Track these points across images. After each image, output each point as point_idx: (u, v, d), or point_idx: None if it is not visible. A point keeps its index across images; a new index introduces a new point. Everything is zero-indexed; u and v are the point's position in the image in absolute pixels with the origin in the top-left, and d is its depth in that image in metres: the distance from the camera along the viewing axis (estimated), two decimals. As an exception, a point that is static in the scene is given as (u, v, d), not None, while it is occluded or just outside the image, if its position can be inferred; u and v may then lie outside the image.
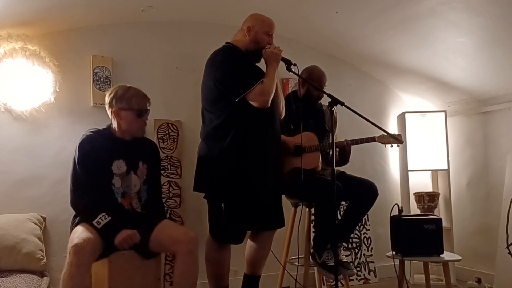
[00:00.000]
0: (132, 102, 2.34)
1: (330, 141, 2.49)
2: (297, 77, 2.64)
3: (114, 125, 2.40)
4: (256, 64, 2.62)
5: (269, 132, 2.51)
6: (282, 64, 2.56)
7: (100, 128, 2.43)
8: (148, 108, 2.41)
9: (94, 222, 2.15)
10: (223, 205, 2.44)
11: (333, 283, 2.38)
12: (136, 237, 2.18)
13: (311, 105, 2.99)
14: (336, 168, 2.78)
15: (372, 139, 2.91)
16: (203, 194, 2.58)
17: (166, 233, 2.27)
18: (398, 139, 2.73)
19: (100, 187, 2.28)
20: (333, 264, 2.61)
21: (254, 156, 2.44)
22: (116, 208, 2.28)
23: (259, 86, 2.38)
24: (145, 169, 2.43)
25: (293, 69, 2.54)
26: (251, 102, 2.39)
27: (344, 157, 2.96)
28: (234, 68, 2.43)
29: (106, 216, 2.16)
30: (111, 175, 2.32)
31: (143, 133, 2.46)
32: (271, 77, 2.46)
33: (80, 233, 2.11)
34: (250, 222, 2.49)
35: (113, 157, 2.34)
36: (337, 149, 3.00)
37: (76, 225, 2.25)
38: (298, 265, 2.89)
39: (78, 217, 2.31)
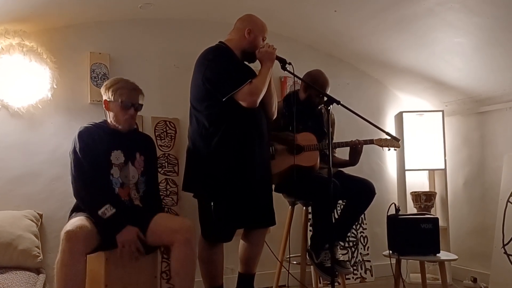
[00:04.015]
0: (117, 93, 2.34)
1: (330, 141, 2.48)
2: (294, 77, 2.63)
3: (107, 117, 2.42)
4: (250, 65, 2.62)
5: (256, 131, 2.50)
6: (278, 63, 2.56)
7: (97, 122, 2.44)
8: (137, 101, 2.38)
9: (99, 213, 2.14)
10: (212, 204, 2.44)
11: (330, 282, 2.38)
12: (137, 242, 2.18)
13: (311, 109, 2.99)
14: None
15: (370, 142, 2.91)
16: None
17: (162, 224, 2.28)
18: (396, 139, 2.73)
19: (101, 177, 2.29)
20: (330, 265, 2.61)
21: (241, 155, 2.43)
22: (114, 199, 2.28)
23: (247, 85, 2.37)
24: (142, 161, 2.44)
25: (288, 68, 2.54)
26: (239, 102, 2.38)
27: (354, 157, 2.93)
28: (224, 67, 2.42)
29: (112, 208, 2.16)
30: (110, 165, 2.33)
31: (130, 127, 2.42)
32: (263, 77, 2.45)
33: (74, 221, 2.12)
34: (239, 220, 2.49)
35: (112, 148, 2.35)
36: (335, 149, 3.01)
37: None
38: (290, 262, 2.89)
39: (74, 213, 2.31)
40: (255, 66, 2.61)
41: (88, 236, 2.07)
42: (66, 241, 2.00)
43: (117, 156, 2.35)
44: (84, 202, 2.26)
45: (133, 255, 2.17)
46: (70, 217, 2.32)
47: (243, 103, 2.39)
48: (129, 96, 2.35)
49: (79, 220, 2.13)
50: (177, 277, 2.23)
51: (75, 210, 2.33)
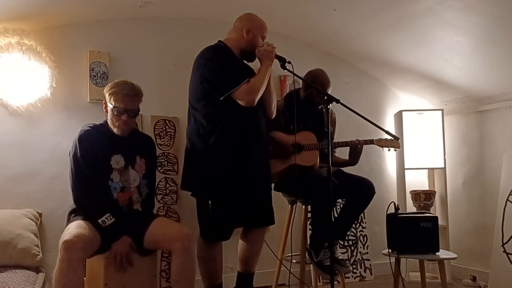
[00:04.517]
0: (112, 98, 2.30)
1: (330, 140, 2.47)
2: (294, 75, 2.62)
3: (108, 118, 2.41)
4: (249, 64, 2.62)
5: (254, 130, 2.50)
6: (277, 62, 2.55)
7: (97, 123, 2.42)
8: (131, 107, 2.31)
9: (99, 221, 2.16)
10: (210, 203, 2.44)
11: (329, 281, 2.38)
12: (129, 254, 2.22)
13: (312, 108, 2.98)
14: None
15: (370, 142, 2.91)
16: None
17: (160, 231, 2.28)
18: (395, 138, 2.72)
19: (100, 183, 2.29)
20: (329, 264, 2.61)
21: (239, 153, 2.43)
22: (111, 205, 2.28)
23: (245, 84, 2.37)
24: (143, 164, 2.44)
25: (287, 67, 2.53)
26: (237, 101, 2.38)
27: (354, 157, 2.92)
28: (221, 66, 2.42)
29: (111, 217, 2.18)
30: (110, 169, 2.32)
31: (124, 132, 2.37)
32: (262, 76, 2.45)
33: (72, 229, 2.11)
34: (237, 219, 2.49)
35: (111, 152, 2.34)
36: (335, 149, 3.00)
37: (71, 222, 2.24)
38: (291, 261, 2.89)
39: (73, 214, 2.31)
40: (255, 65, 2.60)
41: (86, 244, 2.07)
42: (64, 251, 1.99)
43: (117, 161, 2.35)
44: (84, 210, 2.25)
45: (122, 265, 2.20)
46: (68, 219, 2.32)
47: (241, 102, 2.38)
48: (122, 101, 2.29)
49: (76, 228, 2.12)
50: (176, 285, 2.24)
51: (74, 211, 2.32)
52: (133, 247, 2.24)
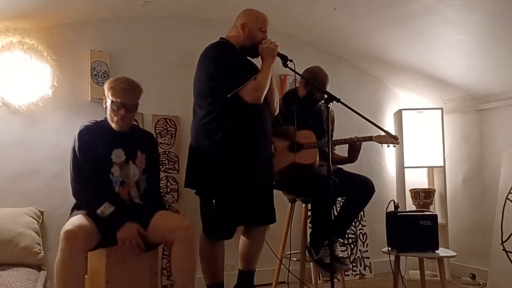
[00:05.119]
0: (110, 93, 2.33)
1: (330, 138, 2.48)
2: (295, 74, 2.63)
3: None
4: (252, 60, 2.63)
5: (260, 128, 2.50)
6: (278, 60, 2.55)
7: (98, 120, 2.44)
8: (129, 102, 2.32)
9: (98, 211, 2.15)
10: (214, 201, 2.44)
11: (329, 279, 2.40)
12: (137, 239, 2.18)
13: (311, 106, 2.99)
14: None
15: (369, 138, 2.92)
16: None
17: (163, 222, 2.29)
18: (394, 137, 2.74)
19: (100, 176, 2.30)
20: (329, 261, 2.62)
21: (244, 152, 2.43)
22: (113, 198, 2.28)
23: (252, 81, 2.38)
24: (144, 159, 2.45)
25: (289, 65, 2.54)
26: (244, 98, 2.38)
27: (353, 154, 2.94)
28: (227, 63, 2.42)
29: (110, 206, 2.17)
30: (111, 163, 2.33)
31: (122, 128, 2.38)
32: (265, 73, 2.45)
33: (73, 220, 2.13)
34: (241, 218, 2.50)
35: (112, 146, 2.35)
36: (335, 147, 3.01)
37: (72, 216, 2.25)
38: (290, 259, 2.91)
39: (75, 210, 2.32)
40: (256, 62, 2.61)
41: (87, 234, 2.08)
42: (65, 241, 2.01)
43: (118, 155, 2.36)
44: (83, 202, 2.27)
45: (133, 251, 2.18)
46: (71, 215, 2.33)
47: (247, 99, 2.38)
48: (119, 96, 2.30)
49: (78, 218, 2.14)
50: (178, 274, 2.24)
51: (76, 207, 2.34)
52: (141, 231, 2.21)
